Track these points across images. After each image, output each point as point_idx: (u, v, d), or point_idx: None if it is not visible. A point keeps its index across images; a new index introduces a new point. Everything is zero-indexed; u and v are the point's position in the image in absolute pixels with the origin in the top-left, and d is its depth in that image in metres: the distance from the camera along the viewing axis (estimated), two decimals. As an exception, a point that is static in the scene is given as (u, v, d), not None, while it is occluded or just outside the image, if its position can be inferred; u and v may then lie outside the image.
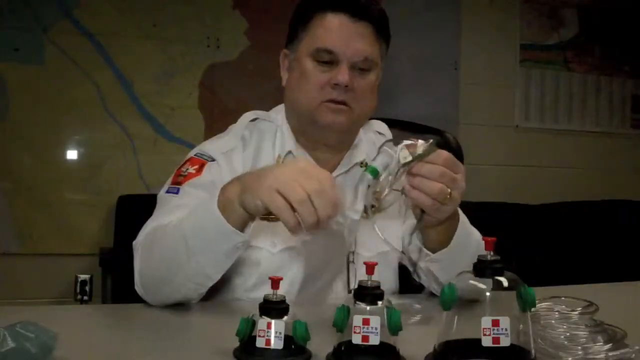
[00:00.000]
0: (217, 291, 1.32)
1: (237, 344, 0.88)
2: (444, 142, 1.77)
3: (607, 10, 3.68)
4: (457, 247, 1.20)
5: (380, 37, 1.33)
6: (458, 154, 1.77)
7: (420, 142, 1.03)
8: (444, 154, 1.05)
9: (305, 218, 1.01)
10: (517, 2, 3.54)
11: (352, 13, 1.28)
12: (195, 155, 1.35)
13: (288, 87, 1.36)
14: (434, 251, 1.22)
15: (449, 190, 1.05)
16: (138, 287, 1.21)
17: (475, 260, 0.83)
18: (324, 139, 1.35)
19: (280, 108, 1.43)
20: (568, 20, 3.63)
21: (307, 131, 1.35)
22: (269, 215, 1.12)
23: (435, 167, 1.04)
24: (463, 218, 1.25)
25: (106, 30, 2.83)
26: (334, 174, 1.37)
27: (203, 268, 1.13)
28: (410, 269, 1.36)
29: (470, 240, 1.24)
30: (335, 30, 1.28)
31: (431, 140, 1.04)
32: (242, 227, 1.11)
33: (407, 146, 1.03)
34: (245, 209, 1.08)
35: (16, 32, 2.72)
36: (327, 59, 1.28)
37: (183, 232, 1.13)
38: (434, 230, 1.20)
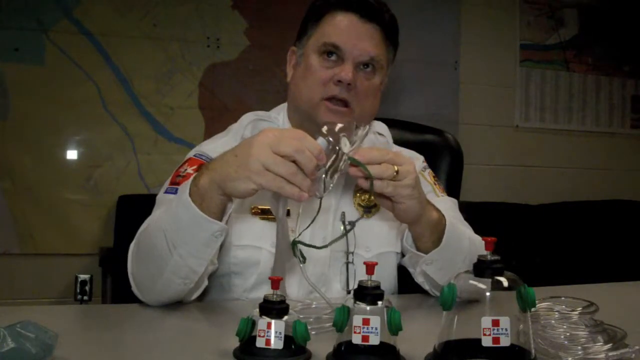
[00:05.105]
0: (216, 291, 1.32)
1: (237, 344, 0.88)
2: (443, 141, 1.77)
3: (607, 10, 3.67)
4: (449, 244, 1.20)
5: (388, 41, 1.34)
6: (458, 154, 1.77)
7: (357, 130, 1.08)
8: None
9: (301, 183, 1.00)
10: (517, 1, 3.53)
11: (362, 14, 1.29)
12: (194, 155, 1.35)
13: (292, 82, 1.37)
14: (427, 253, 1.22)
15: (395, 167, 1.08)
16: (133, 288, 1.21)
17: (469, 259, 0.83)
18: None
19: (281, 108, 1.43)
20: (568, 20, 3.63)
21: (307, 129, 1.35)
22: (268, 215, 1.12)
23: (371, 152, 1.08)
24: (451, 220, 1.25)
25: (106, 30, 2.82)
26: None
27: (185, 260, 1.12)
28: (411, 270, 1.36)
29: (461, 239, 1.25)
30: (344, 28, 1.29)
31: (367, 127, 1.11)
32: (219, 215, 1.10)
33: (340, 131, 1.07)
34: (232, 194, 1.07)
35: (16, 32, 2.72)
36: (333, 53, 1.29)
37: (162, 226, 1.13)
38: (421, 229, 1.21)
